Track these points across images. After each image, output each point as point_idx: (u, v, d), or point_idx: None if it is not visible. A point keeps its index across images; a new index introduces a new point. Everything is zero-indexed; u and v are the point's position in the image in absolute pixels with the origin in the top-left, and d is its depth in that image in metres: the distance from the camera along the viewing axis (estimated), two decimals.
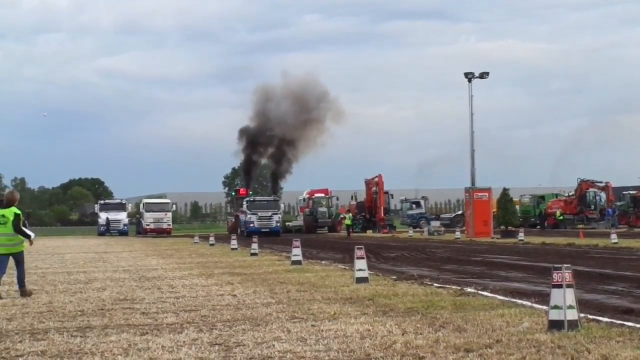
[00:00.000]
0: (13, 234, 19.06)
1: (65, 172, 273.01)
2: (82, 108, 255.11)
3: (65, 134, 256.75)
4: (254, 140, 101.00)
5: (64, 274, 26.64)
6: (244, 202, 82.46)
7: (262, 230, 76.22)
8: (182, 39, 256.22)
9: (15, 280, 19.91)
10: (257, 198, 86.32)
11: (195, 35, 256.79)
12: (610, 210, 78.75)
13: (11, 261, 19.30)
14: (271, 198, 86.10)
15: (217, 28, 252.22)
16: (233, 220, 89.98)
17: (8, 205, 19.31)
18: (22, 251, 19.46)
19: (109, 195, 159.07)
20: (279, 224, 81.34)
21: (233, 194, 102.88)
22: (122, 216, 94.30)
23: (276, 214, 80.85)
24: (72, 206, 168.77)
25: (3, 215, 19.03)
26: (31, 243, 19.48)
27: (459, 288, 18.61)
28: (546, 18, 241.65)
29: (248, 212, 79.91)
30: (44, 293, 19.86)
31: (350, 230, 75.32)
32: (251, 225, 77.87)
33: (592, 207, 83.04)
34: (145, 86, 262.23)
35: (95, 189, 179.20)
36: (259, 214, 79.49)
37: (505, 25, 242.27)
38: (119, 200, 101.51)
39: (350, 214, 79.73)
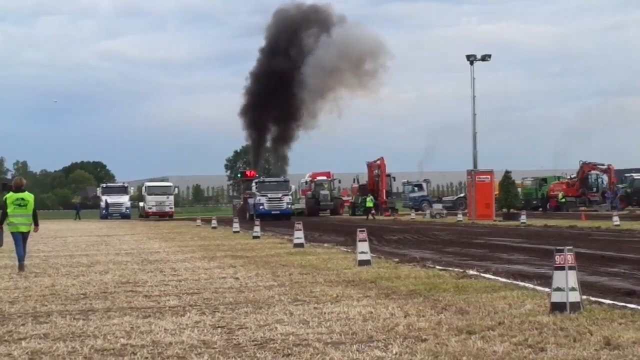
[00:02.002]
0: (30, 215, 21.43)
1: (67, 156, 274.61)
2: (84, 91, 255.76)
3: (67, 117, 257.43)
4: (260, 100, 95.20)
5: (67, 257, 26.67)
6: (253, 184, 78.22)
7: (273, 212, 73.64)
8: (183, 21, 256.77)
9: (15, 255, 21.66)
10: (267, 179, 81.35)
11: (196, 18, 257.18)
12: (610, 193, 78.67)
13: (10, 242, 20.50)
14: (281, 179, 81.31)
15: (218, 11, 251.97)
16: (241, 202, 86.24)
17: (18, 190, 21.43)
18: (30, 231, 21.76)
19: (111, 178, 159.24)
20: (290, 206, 77.77)
21: (239, 175, 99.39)
22: (124, 199, 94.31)
23: (287, 195, 76.98)
24: (74, 190, 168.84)
25: (23, 199, 21.25)
26: (37, 230, 22.02)
27: (461, 270, 18.61)
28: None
29: (257, 193, 75.89)
30: (46, 276, 19.88)
31: (372, 212, 74.44)
32: (261, 207, 74.48)
33: (594, 189, 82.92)
34: (146, 69, 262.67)
35: (98, 173, 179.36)
36: (269, 195, 75.57)
37: (507, 6, 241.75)
38: (121, 184, 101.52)
39: (371, 197, 78.84)
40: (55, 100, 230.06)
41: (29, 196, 21.47)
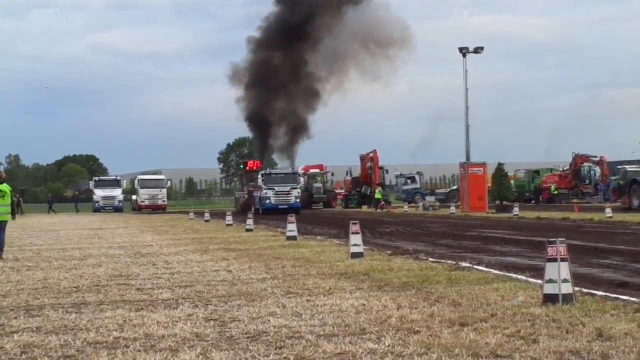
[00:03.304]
0: (9, 205, 23.64)
1: (60, 149, 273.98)
2: (76, 84, 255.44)
3: (60, 110, 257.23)
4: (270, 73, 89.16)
5: (59, 251, 26.65)
6: (259, 176, 72.11)
7: (280, 207, 67.25)
8: (175, 14, 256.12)
9: None
10: (274, 171, 75.21)
11: (188, 10, 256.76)
12: (602, 185, 78.70)
13: None
14: (289, 170, 75.88)
15: (210, 3, 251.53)
16: (245, 196, 78.64)
17: None
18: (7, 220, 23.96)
19: (104, 171, 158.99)
20: (298, 200, 71.35)
21: (241, 167, 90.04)
22: (117, 193, 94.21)
23: (295, 188, 70.63)
24: (66, 183, 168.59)
25: (1, 190, 23.13)
26: (14, 218, 24.98)
27: (453, 263, 18.63)
28: None
29: (264, 186, 69.64)
30: (38, 269, 19.88)
31: (382, 204, 74.16)
32: (267, 201, 68.78)
33: (587, 181, 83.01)
34: (138, 62, 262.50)
35: (90, 166, 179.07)
36: (276, 188, 69.31)
37: None
38: (114, 177, 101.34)
39: (380, 189, 78.48)
40: (47, 87, 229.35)
41: (6, 187, 23.54)
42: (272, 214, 61.63)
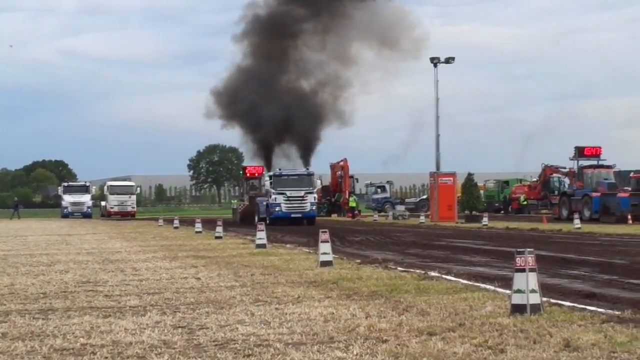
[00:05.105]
0: None
1: (28, 154, 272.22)
2: (45, 89, 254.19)
3: (28, 115, 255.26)
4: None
5: (27, 256, 26.47)
6: (267, 177, 60.32)
7: (292, 215, 56.90)
8: (146, 20, 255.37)
9: None
10: (285, 172, 60.67)
11: (159, 16, 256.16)
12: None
13: None
14: (304, 171, 61.59)
15: (181, 9, 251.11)
16: (245, 204, 67.28)
17: None
18: None
19: (73, 177, 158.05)
20: (315, 207, 59.85)
21: (240, 173, 75.95)
22: (86, 199, 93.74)
23: (311, 192, 58.55)
24: (35, 188, 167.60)
25: None
26: None
27: (422, 272, 18.67)
28: (511, 2, 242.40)
29: (273, 191, 57.39)
30: (5, 275, 19.76)
31: (356, 212, 73.90)
32: (277, 209, 57.05)
33: (556, 192, 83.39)
34: (108, 67, 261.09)
35: (59, 172, 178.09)
36: (288, 193, 57.26)
37: (469, 9, 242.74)
38: (83, 183, 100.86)
39: (355, 197, 78.30)
40: (10, 45, 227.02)
41: None
42: (283, 224, 53.93)
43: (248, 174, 70.03)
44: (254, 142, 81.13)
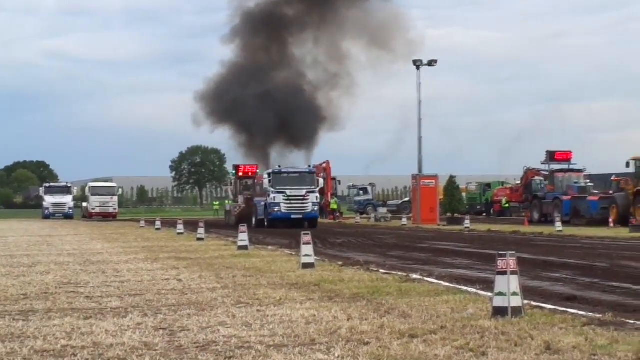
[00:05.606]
0: None
1: (10, 155, 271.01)
2: (27, 90, 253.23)
3: (9, 115, 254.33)
4: None
5: (7, 257, 26.36)
6: (265, 175, 56.03)
7: (293, 216, 53.43)
8: (128, 21, 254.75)
9: None
10: (285, 169, 57.04)
11: (142, 17, 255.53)
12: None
13: None
14: (305, 169, 58.41)
15: (163, 10, 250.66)
16: (241, 205, 63.35)
17: None
18: None
19: (55, 178, 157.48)
20: (317, 208, 55.90)
21: (233, 172, 69.41)
22: (68, 200, 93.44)
23: (313, 192, 54.64)
24: (16, 189, 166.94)
25: None
26: None
27: (404, 274, 18.68)
28: (493, 5, 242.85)
29: (271, 190, 53.67)
30: None
31: (337, 214, 73.84)
32: (276, 209, 53.53)
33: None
34: (91, 68, 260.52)
35: (41, 172, 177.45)
36: (288, 192, 53.60)
37: (452, 12, 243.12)
38: (65, 184, 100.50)
39: (336, 199, 78.11)
40: None
41: None
42: (283, 226, 51.05)
43: (241, 173, 65.86)
44: (247, 140, 78.19)
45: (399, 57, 76.98)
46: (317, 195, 55.48)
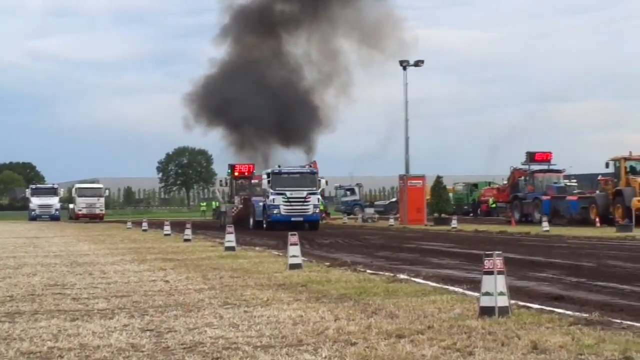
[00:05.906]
0: None
1: None
2: (13, 91, 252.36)
3: None
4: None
5: None
6: (265, 175, 54.16)
7: (293, 219, 50.73)
8: (115, 22, 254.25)
9: None
10: (285, 169, 54.49)
11: (128, 18, 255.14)
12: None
13: None
14: (306, 169, 56.27)
15: (149, 11, 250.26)
16: (238, 206, 60.49)
17: None
18: None
19: (41, 180, 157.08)
20: (318, 210, 53.64)
21: (229, 172, 65.21)
22: (54, 201, 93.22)
23: (314, 193, 52.47)
24: (2, 191, 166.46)
25: None
26: None
27: (391, 275, 18.69)
28: (481, 5, 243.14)
29: (271, 191, 51.54)
30: None
31: (324, 214, 73.25)
32: (275, 211, 51.21)
33: None
34: (77, 69, 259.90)
35: (27, 174, 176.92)
36: (288, 194, 51.37)
37: (439, 12, 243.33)
38: (51, 185, 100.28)
39: (322, 200, 78.09)
40: None
41: None
42: (282, 229, 44.06)
43: (237, 173, 63.54)
44: (239, 139, 76.32)
45: (389, 57, 75.24)
46: (319, 197, 53.74)
